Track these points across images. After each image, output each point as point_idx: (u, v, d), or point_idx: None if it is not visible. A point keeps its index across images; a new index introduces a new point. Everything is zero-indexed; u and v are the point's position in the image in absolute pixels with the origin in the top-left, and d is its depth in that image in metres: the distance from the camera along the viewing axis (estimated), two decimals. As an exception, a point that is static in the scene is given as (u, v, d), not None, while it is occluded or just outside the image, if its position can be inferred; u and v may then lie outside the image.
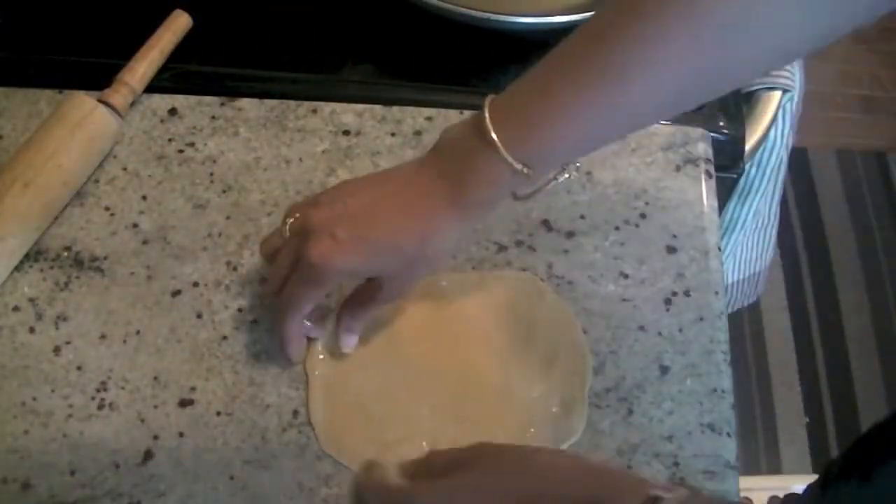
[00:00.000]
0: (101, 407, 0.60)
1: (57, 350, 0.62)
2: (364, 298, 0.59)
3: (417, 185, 0.54)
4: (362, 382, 0.60)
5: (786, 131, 0.96)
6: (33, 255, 0.66)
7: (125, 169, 0.70)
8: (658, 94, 0.48)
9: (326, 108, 0.73)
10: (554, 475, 0.45)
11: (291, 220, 0.56)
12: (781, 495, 1.39)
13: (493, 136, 0.50)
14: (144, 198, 0.69)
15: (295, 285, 0.56)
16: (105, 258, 0.66)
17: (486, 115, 0.50)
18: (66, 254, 0.66)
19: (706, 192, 0.70)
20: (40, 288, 0.65)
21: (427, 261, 0.55)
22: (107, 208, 0.68)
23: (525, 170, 0.50)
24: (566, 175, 0.55)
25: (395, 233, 0.54)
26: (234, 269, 0.66)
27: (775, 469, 1.60)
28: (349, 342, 0.61)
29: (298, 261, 0.55)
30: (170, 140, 0.71)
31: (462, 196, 0.52)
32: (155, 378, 0.61)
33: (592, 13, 0.64)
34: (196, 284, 0.65)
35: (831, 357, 1.72)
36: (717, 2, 0.44)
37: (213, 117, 0.72)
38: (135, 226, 0.67)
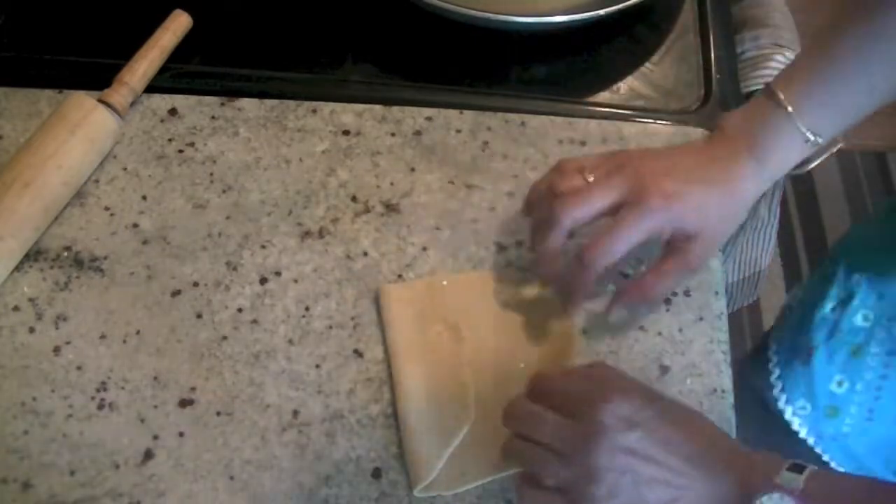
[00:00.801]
0: (101, 407, 0.60)
1: (57, 350, 0.62)
2: (664, 268, 0.60)
3: (719, 154, 0.59)
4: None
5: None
6: (33, 255, 0.66)
7: (125, 169, 0.70)
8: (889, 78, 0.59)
9: (326, 108, 0.73)
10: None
11: (593, 169, 0.58)
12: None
13: (790, 108, 0.57)
14: (144, 198, 0.69)
15: (627, 226, 0.56)
16: (105, 258, 0.66)
17: (778, 92, 0.58)
18: (66, 254, 0.66)
19: (706, 192, 0.70)
20: (40, 288, 0.65)
21: (735, 218, 0.60)
22: (107, 208, 0.68)
23: (815, 138, 0.57)
24: (837, 147, 0.61)
25: (712, 188, 0.58)
26: (234, 269, 0.66)
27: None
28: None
29: (638, 204, 0.56)
30: (170, 140, 0.71)
31: (762, 161, 0.58)
32: (155, 378, 0.61)
33: (600, 13, 0.72)
34: (196, 284, 0.65)
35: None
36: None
37: (213, 117, 0.72)
38: (135, 226, 0.67)
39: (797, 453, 0.71)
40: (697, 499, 0.48)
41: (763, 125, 0.58)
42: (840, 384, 0.70)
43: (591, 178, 0.58)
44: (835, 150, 0.60)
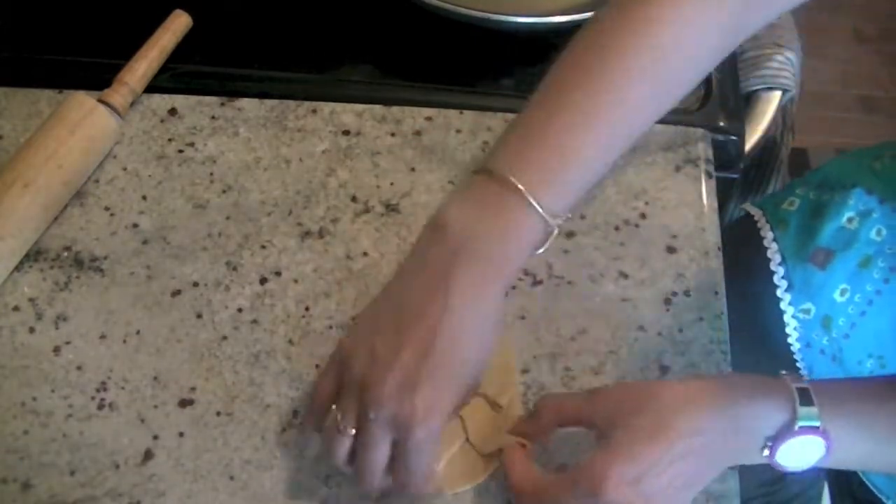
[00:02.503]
0: (101, 407, 0.60)
1: (57, 350, 0.62)
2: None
3: (444, 282, 0.50)
4: None
5: (786, 131, 0.96)
6: (33, 255, 0.66)
7: (125, 169, 0.70)
8: (636, 120, 0.54)
9: (326, 108, 0.73)
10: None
11: (341, 415, 0.52)
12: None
13: (524, 192, 0.50)
14: (144, 198, 0.69)
15: (410, 461, 0.51)
16: (105, 258, 0.66)
17: (504, 170, 0.50)
18: (66, 254, 0.66)
19: (706, 192, 0.70)
20: (40, 288, 0.65)
21: (491, 338, 0.53)
22: (107, 208, 0.68)
23: (552, 221, 0.51)
24: (556, 232, 0.53)
25: (462, 350, 0.51)
26: (234, 269, 0.66)
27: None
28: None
29: (402, 445, 0.51)
30: (170, 140, 0.71)
31: (496, 265, 0.51)
32: (155, 378, 0.61)
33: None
34: (196, 284, 0.65)
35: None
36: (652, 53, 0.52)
37: (213, 117, 0.72)
38: (135, 226, 0.68)
39: (777, 364, 0.73)
40: (720, 447, 0.51)
41: (496, 217, 0.50)
42: (843, 293, 0.71)
43: (350, 431, 0.52)
44: (555, 234, 0.53)
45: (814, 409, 0.50)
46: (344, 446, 0.52)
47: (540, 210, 0.50)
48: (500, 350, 0.57)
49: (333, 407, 0.53)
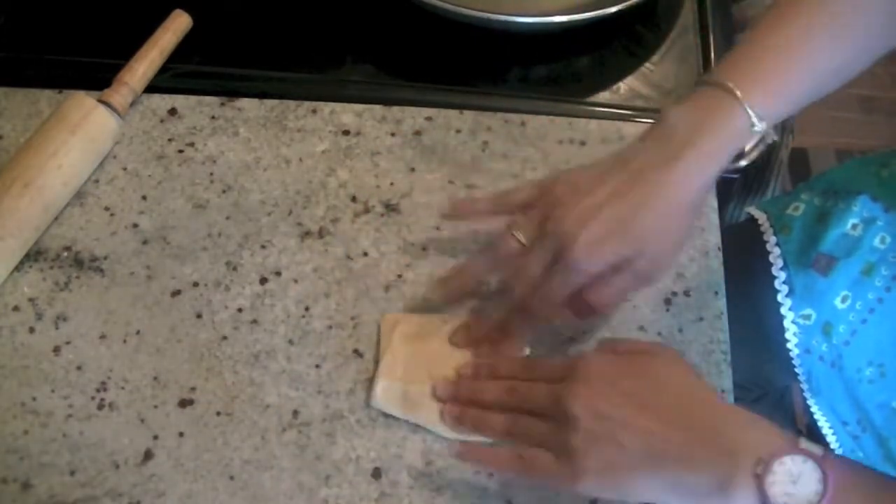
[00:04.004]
0: (101, 407, 0.60)
1: (57, 350, 0.62)
2: (613, 280, 0.58)
3: (653, 158, 0.56)
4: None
5: (785, 131, 0.96)
6: (33, 255, 0.66)
7: (125, 169, 0.70)
8: (834, 60, 0.59)
9: (326, 108, 0.73)
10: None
11: (522, 222, 0.58)
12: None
13: (738, 93, 0.55)
14: (144, 198, 0.69)
15: (557, 288, 0.57)
16: (105, 258, 0.66)
17: (721, 77, 0.56)
18: (66, 254, 0.66)
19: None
20: (40, 288, 0.65)
21: (679, 226, 0.57)
22: (107, 208, 0.68)
23: (760, 124, 0.55)
24: (771, 140, 0.59)
25: (646, 207, 0.55)
26: (234, 269, 0.66)
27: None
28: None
29: (565, 264, 0.55)
30: (170, 140, 0.71)
31: (705, 152, 0.56)
32: (155, 378, 0.61)
33: (600, 13, 0.72)
34: (196, 284, 0.65)
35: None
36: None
37: (213, 117, 0.72)
38: (135, 226, 0.68)
39: (776, 368, 0.76)
40: (687, 456, 0.49)
41: (709, 110, 0.56)
42: (844, 300, 0.71)
43: (522, 239, 0.57)
44: (769, 142, 0.59)
45: (817, 445, 0.48)
46: (509, 247, 0.58)
47: (748, 110, 0.55)
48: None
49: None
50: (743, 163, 0.61)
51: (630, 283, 0.57)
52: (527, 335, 0.61)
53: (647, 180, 0.55)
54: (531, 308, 0.58)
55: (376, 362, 0.61)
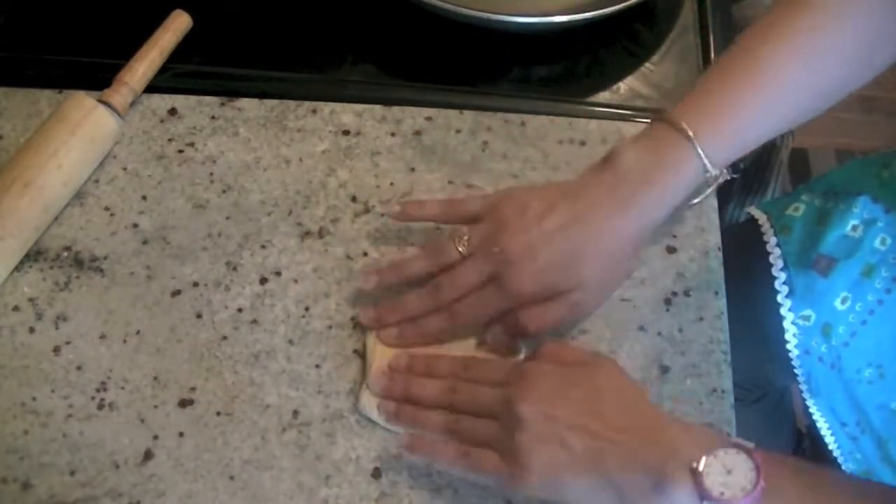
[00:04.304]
0: (101, 407, 0.60)
1: (57, 350, 0.62)
2: (549, 306, 0.59)
3: (601, 197, 0.58)
4: None
5: (786, 132, 0.96)
6: (33, 255, 0.66)
7: (125, 169, 0.70)
8: (787, 108, 0.61)
9: (326, 108, 0.73)
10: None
11: (467, 238, 0.59)
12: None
13: (691, 134, 0.57)
14: (144, 198, 0.69)
15: (487, 302, 0.59)
16: (105, 258, 0.66)
17: (678, 119, 0.57)
18: (66, 254, 0.66)
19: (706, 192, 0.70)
20: (40, 288, 0.65)
21: (619, 266, 0.60)
22: (107, 208, 0.68)
23: (712, 169, 0.57)
24: (722, 180, 0.61)
25: (588, 245, 0.57)
26: (234, 269, 0.66)
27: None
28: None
29: (497, 283, 0.58)
30: (170, 140, 0.71)
31: (654, 196, 0.58)
32: (155, 378, 0.61)
33: (600, 13, 0.72)
34: (196, 284, 0.65)
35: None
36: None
37: (213, 117, 0.72)
38: (135, 226, 0.68)
39: (775, 369, 0.78)
40: (628, 455, 0.50)
41: (661, 154, 0.58)
42: (844, 301, 0.71)
43: (462, 251, 0.59)
44: (720, 182, 0.61)
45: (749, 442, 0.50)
46: (450, 255, 0.60)
47: (701, 153, 0.57)
48: None
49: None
50: (695, 201, 0.62)
51: (564, 313, 0.59)
52: (437, 336, 0.61)
53: (594, 222, 0.57)
54: (455, 312, 0.60)
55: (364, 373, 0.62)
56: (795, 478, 0.50)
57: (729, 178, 0.61)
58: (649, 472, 0.49)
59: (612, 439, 0.51)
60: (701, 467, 0.48)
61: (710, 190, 0.61)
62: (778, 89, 0.59)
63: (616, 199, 0.57)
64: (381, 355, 0.61)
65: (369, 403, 0.60)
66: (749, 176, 0.98)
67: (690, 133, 0.57)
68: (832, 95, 0.61)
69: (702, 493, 0.48)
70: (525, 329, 0.59)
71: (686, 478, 0.48)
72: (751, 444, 0.50)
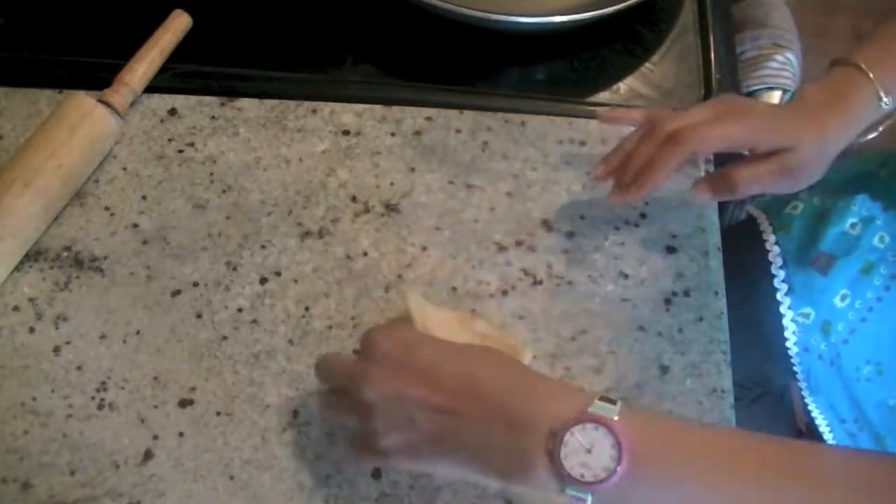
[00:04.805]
0: (101, 407, 0.60)
1: (57, 350, 0.62)
2: (761, 163, 0.62)
3: (798, 112, 0.63)
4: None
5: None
6: (33, 255, 0.66)
7: (125, 169, 0.70)
8: None
9: (326, 108, 0.73)
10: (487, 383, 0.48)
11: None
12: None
13: (870, 74, 0.62)
14: (144, 198, 0.69)
15: (727, 124, 0.60)
16: (105, 258, 0.66)
17: (859, 61, 0.62)
18: (66, 254, 0.66)
19: (706, 192, 0.70)
20: (40, 288, 0.65)
21: (823, 159, 0.63)
22: (107, 208, 0.68)
23: (887, 100, 0.62)
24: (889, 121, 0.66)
25: (805, 122, 0.62)
26: (234, 269, 0.66)
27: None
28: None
29: (739, 114, 0.61)
30: (170, 140, 0.71)
31: (841, 121, 0.62)
32: (155, 378, 0.61)
33: (600, 13, 0.73)
34: (196, 284, 0.65)
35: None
36: None
37: (213, 117, 0.72)
38: (135, 226, 0.68)
39: (775, 367, 0.77)
40: (482, 430, 0.46)
41: (842, 88, 0.62)
42: (843, 299, 0.71)
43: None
44: (893, 119, 0.66)
45: (613, 406, 0.45)
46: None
47: (878, 87, 0.62)
48: (511, 352, 0.58)
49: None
50: (872, 135, 0.67)
51: (776, 170, 0.62)
52: (670, 167, 0.62)
53: (803, 121, 0.62)
54: (684, 136, 0.60)
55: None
56: (661, 439, 0.45)
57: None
58: (507, 453, 0.46)
59: (462, 415, 0.47)
60: (559, 448, 0.44)
61: (882, 127, 0.65)
62: None
63: (809, 120, 0.62)
64: (423, 315, 0.59)
65: None
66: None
67: (870, 74, 0.62)
68: None
69: (561, 474, 0.44)
70: (737, 177, 0.61)
71: (545, 459, 0.45)
72: (611, 412, 0.45)
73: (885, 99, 0.63)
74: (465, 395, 0.47)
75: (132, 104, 0.71)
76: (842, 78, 0.63)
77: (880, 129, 0.65)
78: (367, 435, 0.50)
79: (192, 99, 0.73)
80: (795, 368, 0.76)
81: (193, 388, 0.61)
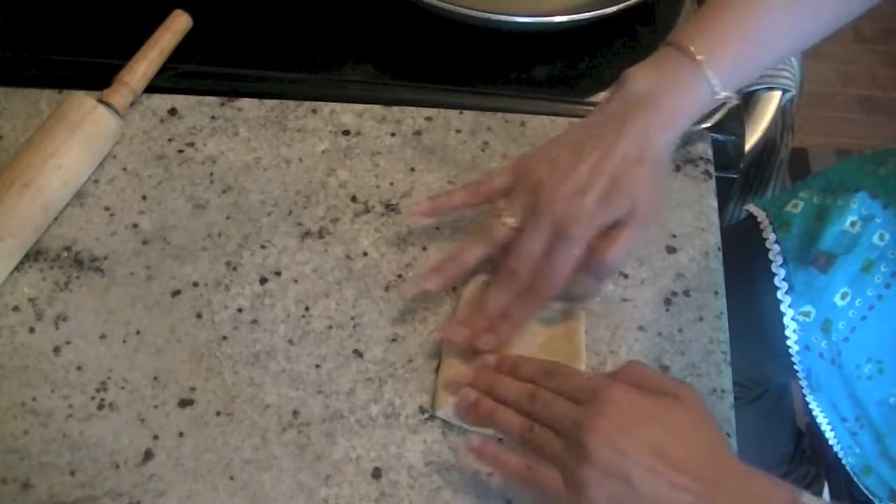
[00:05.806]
0: (100, 407, 0.60)
1: (57, 350, 0.62)
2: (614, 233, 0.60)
3: (610, 125, 0.59)
4: None
5: (785, 131, 0.96)
6: (33, 255, 0.66)
7: (125, 169, 0.70)
8: (793, 30, 0.62)
9: (326, 108, 0.73)
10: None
11: (508, 207, 0.59)
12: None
13: (699, 58, 0.58)
14: (144, 198, 0.69)
15: (563, 261, 0.58)
16: (105, 258, 0.66)
17: (685, 44, 0.58)
18: (66, 254, 0.66)
19: (706, 192, 0.70)
20: (40, 288, 0.65)
21: (659, 182, 0.60)
22: (107, 208, 0.68)
23: (720, 90, 0.58)
24: (733, 104, 0.63)
25: (636, 179, 0.58)
26: (234, 269, 0.66)
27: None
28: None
29: (561, 239, 0.58)
30: (170, 140, 0.71)
31: (668, 116, 0.58)
32: (155, 378, 0.61)
33: (600, 13, 0.73)
34: (196, 284, 0.65)
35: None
36: None
37: (213, 117, 0.73)
38: (135, 226, 0.68)
39: (776, 366, 0.77)
40: None
41: (671, 77, 0.59)
42: (844, 297, 0.71)
43: (512, 223, 0.59)
44: (731, 105, 0.63)
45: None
46: (501, 231, 0.60)
47: (708, 75, 0.58)
48: (568, 335, 0.62)
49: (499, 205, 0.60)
50: (707, 124, 0.66)
51: (632, 230, 0.59)
52: (530, 318, 0.61)
53: (618, 150, 0.58)
54: (537, 288, 0.59)
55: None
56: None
57: (738, 102, 0.63)
58: None
59: (681, 487, 0.49)
60: None
61: (719, 115, 0.63)
62: (776, 23, 0.60)
63: (629, 126, 0.58)
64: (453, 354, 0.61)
65: (441, 399, 0.59)
66: (749, 175, 0.98)
67: (699, 58, 0.58)
68: (833, 21, 0.62)
69: None
70: (609, 260, 0.58)
71: None
72: (821, 502, 0.48)
73: (717, 89, 0.59)
74: (690, 471, 0.49)
75: (132, 104, 0.71)
76: (669, 67, 0.59)
77: (716, 117, 0.65)
78: (573, 479, 0.50)
79: (192, 99, 0.73)
80: (796, 367, 0.76)
81: (193, 388, 0.61)
